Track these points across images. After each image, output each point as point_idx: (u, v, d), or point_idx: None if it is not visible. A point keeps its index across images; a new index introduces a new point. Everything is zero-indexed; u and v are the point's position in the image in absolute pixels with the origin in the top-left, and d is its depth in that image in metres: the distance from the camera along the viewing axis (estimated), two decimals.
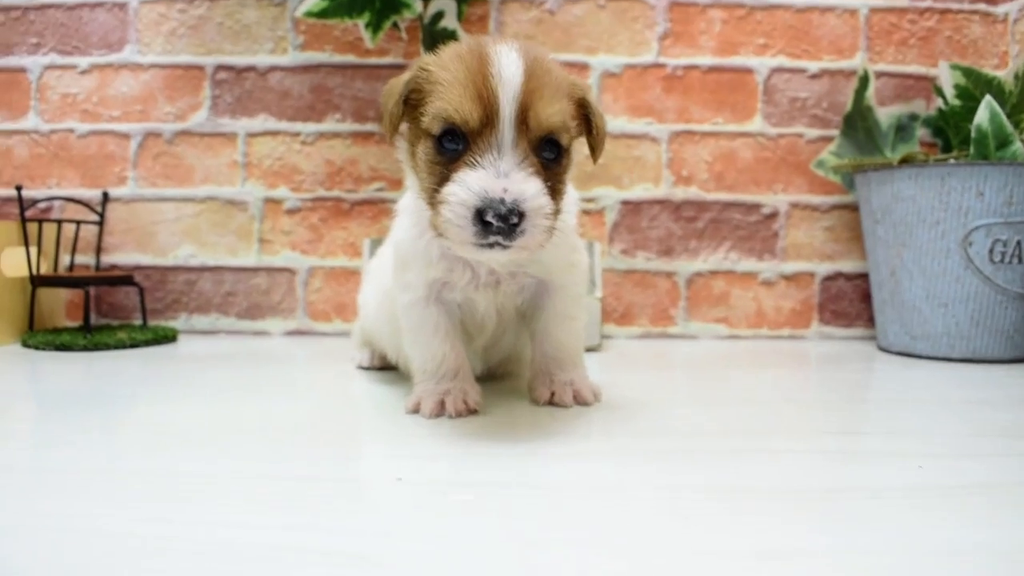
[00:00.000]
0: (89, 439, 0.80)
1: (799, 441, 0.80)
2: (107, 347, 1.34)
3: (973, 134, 1.29)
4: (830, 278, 1.59)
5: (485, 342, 1.01)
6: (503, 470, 0.68)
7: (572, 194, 0.96)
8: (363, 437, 0.83)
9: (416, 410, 0.89)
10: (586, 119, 0.86)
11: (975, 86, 1.37)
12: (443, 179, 0.77)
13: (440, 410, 0.88)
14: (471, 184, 0.73)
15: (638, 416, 0.90)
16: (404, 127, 0.85)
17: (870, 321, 1.58)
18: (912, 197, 1.32)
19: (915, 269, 1.33)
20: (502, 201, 0.72)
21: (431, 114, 0.78)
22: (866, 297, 1.58)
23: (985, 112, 1.28)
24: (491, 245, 0.74)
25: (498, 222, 0.71)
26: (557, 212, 0.80)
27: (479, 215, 0.72)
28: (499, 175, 0.74)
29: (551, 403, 0.93)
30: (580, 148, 0.87)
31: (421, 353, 0.92)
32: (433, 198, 0.78)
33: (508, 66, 0.76)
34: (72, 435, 0.81)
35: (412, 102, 0.81)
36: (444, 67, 0.79)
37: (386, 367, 1.16)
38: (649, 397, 1.00)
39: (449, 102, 0.76)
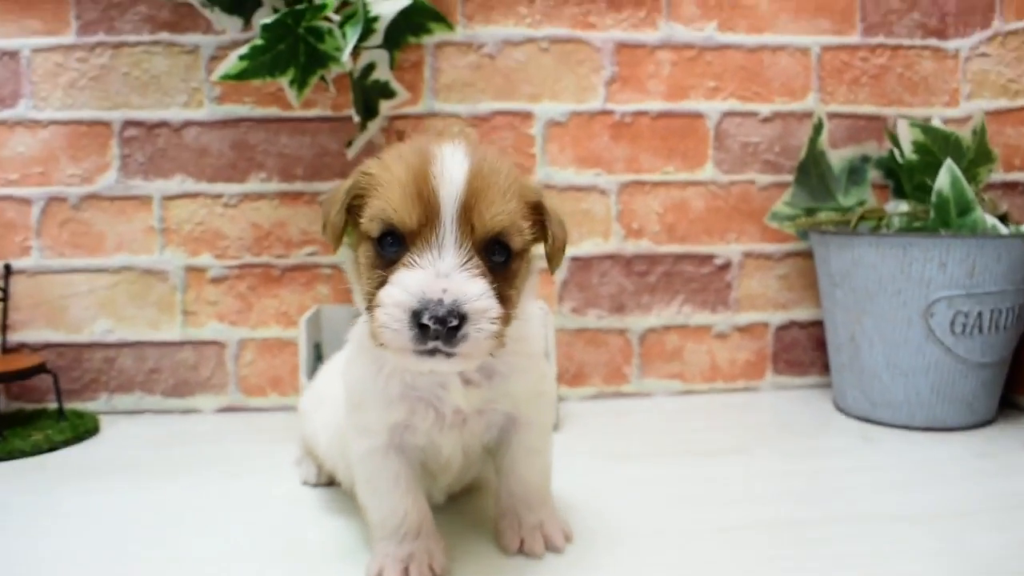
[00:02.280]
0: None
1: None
2: (23, 454, 1.22)
3: (934, 199, 1.26)
4: (784, 327, 1.55)
5: (450, 480, 0.94)
6: None
7: (538, 314, 0.89)
8: None
9: None
10: (543, 226, 0.78)
11: (933, 142, 1.33)
12: (381, 282, 0.70)
13: None
14: (408, 284, 0.67)
15: (615, 557, 0.86)
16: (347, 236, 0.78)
17: (823, 369, 1.55)
18: (873, 264, 1.28)
19: (876, 336, 1.30)
20: (440, 302, 0.65)
21: (369, 216, 0.71)
22: (819, 345, 1.55)
23: (946, 177, 1.24)
24: (431, 352, 0.67)
25: (435, 325, 0.65)
26: (508, 319, 0.73)
27: (415, 317, 0.65)
28: (439, 275, 0.67)
29: (521, 551, 0.87)
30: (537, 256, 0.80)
31: (380, 508, 0.84)
32: (371, 303, 0.71)
33: (451, 164, 0.70)
34: None
35: (354, 208, 0.75)
36: (385, 168, 0.73)
37: (333, 483, 1.08)
38: (619, 517, 0.96)
39: (388, 202, 0.70)
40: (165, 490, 1.08)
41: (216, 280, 1.44)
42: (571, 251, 1.48)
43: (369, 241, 0.73)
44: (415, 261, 0.68)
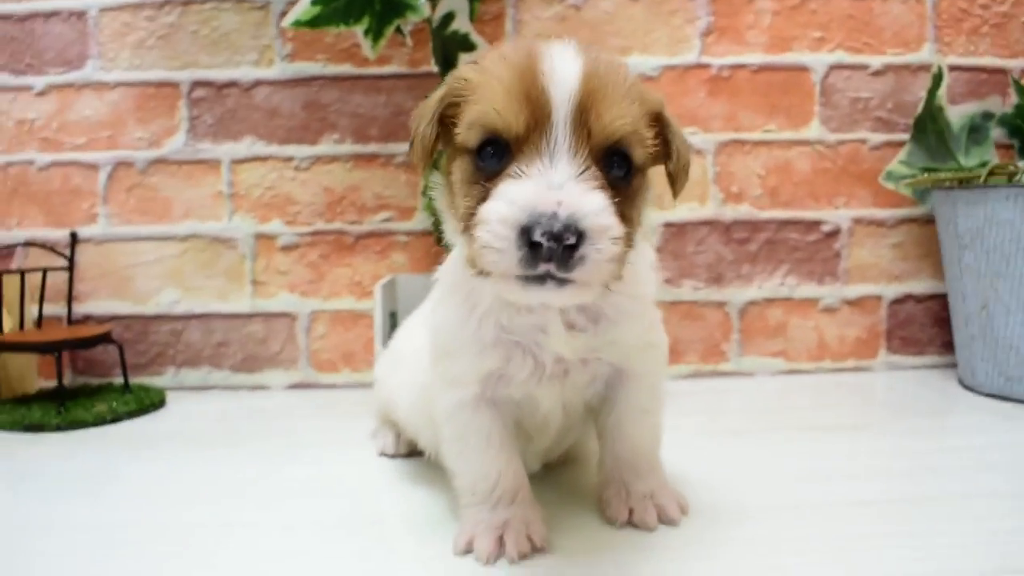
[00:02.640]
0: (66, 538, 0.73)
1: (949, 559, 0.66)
2: (84, 424, 1.15)
3: None
4: (898, 301, 1.41)
5: (548, 443, 0.83)
6: None
7: (650, 255, 0.78)
8: None
9: (468, 550, 0.71)
10: (664, 141, 0.67)
11: None
12: (482, 197, 0.60)
13: (499, 550, 0.70)
14: (515, 197, 0.56)
15: (722, 533, 0.74)
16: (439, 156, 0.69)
17: (943, 348, 1.41)
18: (1010, 221, 1.14)
19: (1013, 303, 1.16)
20: (555, 216, 0.55)
21: (468, 123, 0.62)
22: (939, 321, 1.41)
23: None
24: (542, 278, 0.56)
25: (549, 241, 0.54)
26: (630, 240, 0.63)
27: (526, 234, 0.55)
28: (551, 187, 0.56)
29: (630, 523, 0.76)
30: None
31: (470, 470, 0.74)
32: (469, 223, 0.61)
33: (563, 62, 0.60)
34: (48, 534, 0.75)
35: (448, 121, 0.65)
36: (485, 70, 0.63)
37: (413, 453, 0.98)
38: (731, 493, 0.84)
39: (489, 104, 0.60)
40: (230, 461, 1.00)
41: (286, 248, 1.36)
42: (664, 216, 1.37)
43: (466, 154, 0.63)
44: (523, 171, 0.58)
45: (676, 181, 0.70)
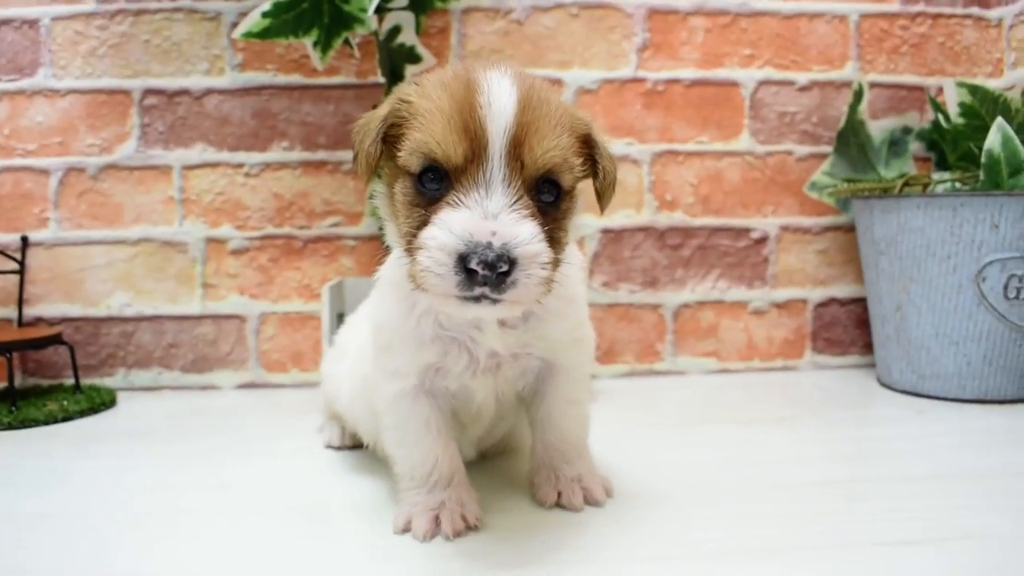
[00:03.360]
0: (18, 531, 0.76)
1: (822, 535, 0.74)
2: (35, 423, 1.18)
3: (984, 159, 1.20)
4: (823, 304, 1.49)
5: (480, 432, 0.89)
6: None
7: (576, 256, 0.84)
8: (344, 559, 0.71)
9: (406, 529, 0.76)
10: (592, 159, 0.73)
11: (981, 104, 1.27)
12: (422, 222, 0.65)
13: (435, 529, 0.75)
14: (453, 226, 0.62)
15: (654, 511, 0.81)
16: (381, 167, 0.74)
17: (865, 348, 1.49)
18: (921, 228, 1.22)
19: (924, 305, 1.24)
20: (489, 246, 0.60)
21: (410, 149, 0.66)
22: (860, 323, 1.49)
23: (997, 136, 1.18)
24: (477, 298, 0.62)
25: (484, 270, 0.60)
26: (557, 263, 0.68)
27: (462, 262, 0.60)
28: (487, 216, 0.62)
29: (558, 505, 0.82)
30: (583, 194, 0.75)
31: (409, 456, 0.80)
32: (411, 244, 0.66)
33: (499, 94, 0.64)
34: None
35: (390, 138, 0.70)
36: (426, 96, 0.67)
37: (358, 446, 1.03)
38: (658, 479, 0.90)
39: (430, 135, 0.65)
40: (180, 456, 1.04)
41: (237, 252, 1.40)
42: (603, 222, 1.43)
43: (408, 176, 0.68)
44: (460, 200, 0.64)
45: (603, 196, 0.76)
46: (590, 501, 0.83)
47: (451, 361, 0.77)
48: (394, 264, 0.79)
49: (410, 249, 0.66)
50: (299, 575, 0.68)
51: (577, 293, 0.82)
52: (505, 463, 0.98)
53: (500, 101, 0.64)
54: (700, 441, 1.06)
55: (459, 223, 0.62)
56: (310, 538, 0.76)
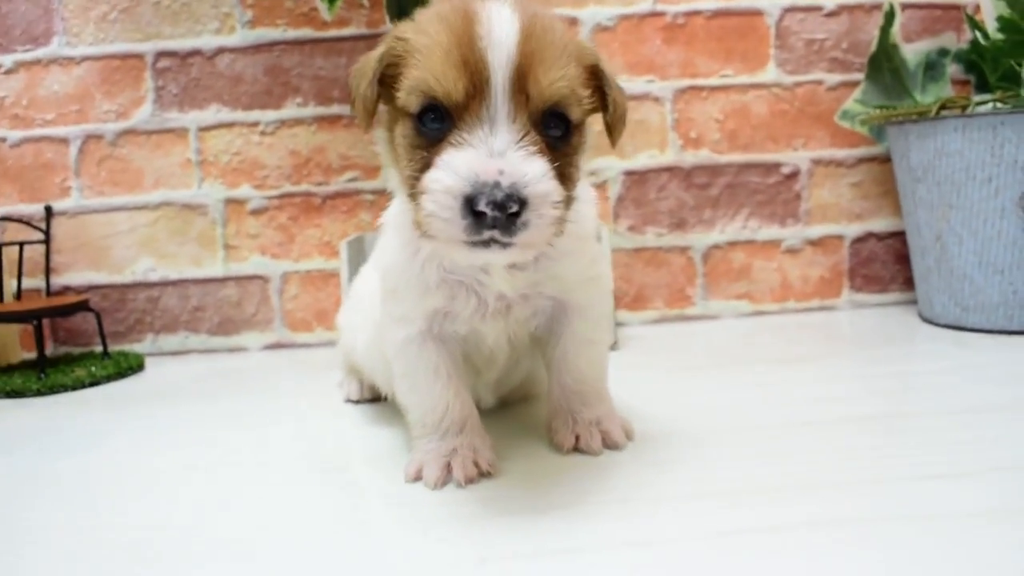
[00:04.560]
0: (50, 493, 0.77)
1: (859, 471, 0.70)
2: (64, 388, 1.19)
3: None
4: (860, 240, 1.43)
5: (496, 376, 0.86)
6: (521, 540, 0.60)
7: (589, 193, 0.80)
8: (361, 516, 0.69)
9: (418, 477, 0.74)
10: (600, 92, 0.70)
11: (1022, 17, 1.20)
12: (425, 165, 0.62)
13: (447, 476, 0.73)
14: (458, 167, 0.58)
15: (680, 452, 0.77)
16: (381, 111, 0.70)
17: (906, 284, 1.43)
18: (959, 152, 1.16)
19: (965, 232, 1.18)
20: (497, 185, 0.57)
21: (408, 88, 0.63)
22: (900, 259, 1.43)
23: None
24: (487, 243, 0.59)
25: (493, 211, 0.57)
26: (569, 201, 0.65)
27: (469, 204, 0.57)
28: (492, 155, 0.59)
29: (576, 449, 0.79)
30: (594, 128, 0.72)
31: (420, 403, 0.77)
32: (414, 188, 0.63)
33: (500, 24, 0.61)
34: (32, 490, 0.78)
35: (388, 80, 0.66)
36: (423, 32, 0.64)
37: (377, 398, 1.01)
38: (684, 420, 0.87)
39: (428, 71, 0.61)
40: (206, 414, 1.04)
41: (256, 212, 1.39)
42: (625, 164, 1.39)
43: (408, 117, 0.65)
44: (464, 139, 0.60)
45: (614, 130, 0.72)
46: (609, 444, 0.79)
47: (459, 305, 0.74)
48: (397, 209, 0.77)
49: (413, 194, 0.63)
50: (317, 522, 0.67)
51: (589, 230, 0.79)
52: (524, 409, 0.96)
53: (501, 30, 0.61)
54: (730, 382, 1.03)
55: (464, 163, 0.59)
56: (325, 486, 0.75)
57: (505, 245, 0.59)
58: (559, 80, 0.63)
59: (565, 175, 0.65)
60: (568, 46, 0.65)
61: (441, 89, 0.61)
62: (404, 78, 0.64)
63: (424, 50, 0.63)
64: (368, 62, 0.68)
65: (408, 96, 0.64)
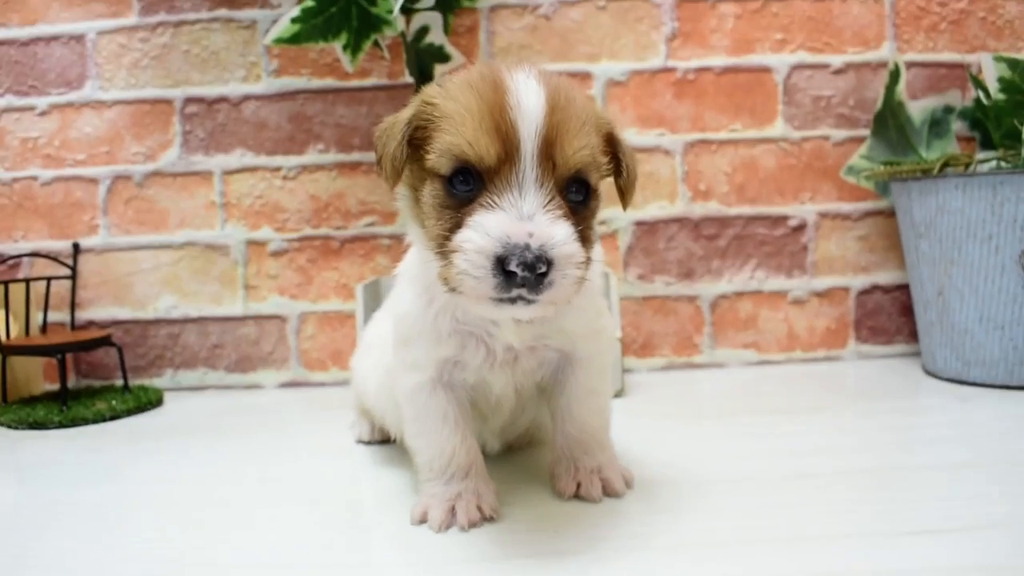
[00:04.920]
0: (68, 524, 0.79)
1: (850, 524, 0.72)
2: (85, 421, 1.23)
3: None
4: (866, 292, 1.46)
5: (501, 423, 0.90)
6: None
7: (596, 249, 0.84)
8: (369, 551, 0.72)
9: (423, 520, 0.77)
10: (614, 157, 0.74)
11: (1022, 78, 1.23)
12: (455, 224, 0.65)
13: (451, 520, 0.76)
14: (490, 228, 0.62)
15: (677, 501, 0.80)
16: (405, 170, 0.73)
17: (911, 336, 1.45)
18: (960, 209, 1.19)
19: (966, 288, 1.20)
20: (527, 247, 0.60)
21: (439, 151, 0.66)
22: (906, 311, 1.45)
23: None
24: (513, 300, 0.62)
25: (524, 271, 0.60)
26: (587, 261, 0.68)
27: (500, 264, 0.61)
28: (522, 218, 0.62)
29: (577, 496, 0.82)
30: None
31: (427, 447, 0.81)
32: (443, 246, 0.66)
33: (528, 95, 0.65)
34: (51, 522, 0.81)
35: (415, 141, 0.70)
36: (452, 98, 0.67)
37: (387, 440, 1.04)
38: (685, 470, 0.89)
39: (461, 136, 0.65)
40: (222, 451, 1.07)
41: (276, 253, 1.43)
42: (636, 215, 1.43)
43: (437, 179, 0.68)
44: (494, 202, 0.64)
45: (626, 194, 0.77)
46: (609, 492, 0.82)
47: (468, 355, 0.77)
48: (413, 260, 0.81)
49: (443, 251, 0.67)
50: (325, 559, 0.70)
51: (595, 284, 0.82)
52: (528, 455, 0.99)
53: (529, 101, 0.65)
54: (733, 432, 1.05)
55: (496, 225, 0.62)
56: (332, 526, 0.78)
57: (530, 302, 0.63)
58: (583, 149, 0.67)
59: (585, 237, 0.68)
60: (589, 116, 0.69)
61: (474, 154, 0.65)
62: (434, 141, 0.68)
63: (456, 116, 0.66)
64: (396, 124, 0.71)
65: (439, 159, 0.67)
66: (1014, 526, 0.70)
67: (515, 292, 0.62)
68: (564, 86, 0.68)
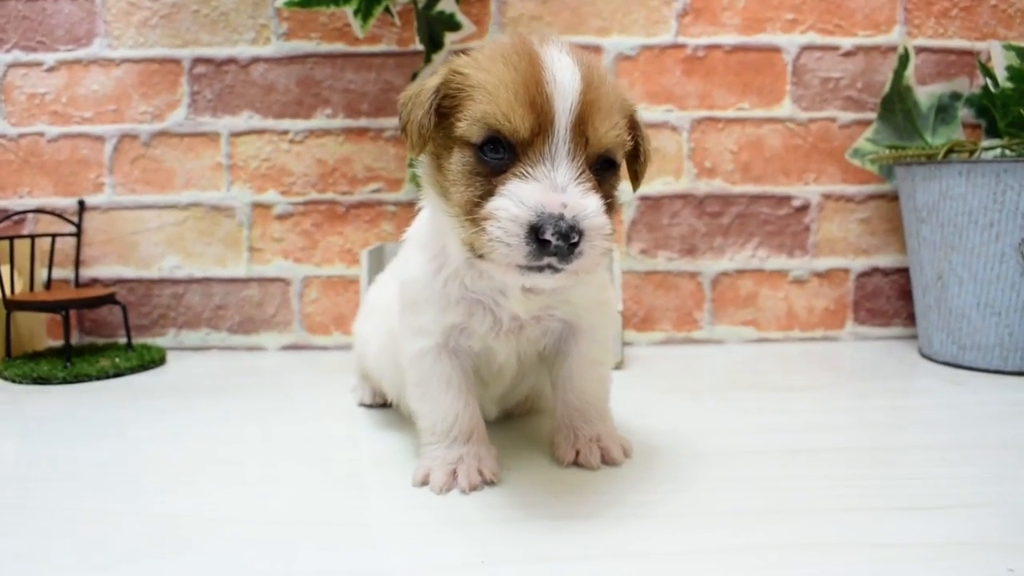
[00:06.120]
0: (71, 479, 0.81)
1: (838, 498, 0.74)
2: (88, 378, 1.24)
3: None
4: (866, 274, 1.47)
5: (501, 390, 0.91)
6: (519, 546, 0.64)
7: None
8: (369, 518, 0.73)
9: (425, 482, 0.78)
10: (632, 140, 0.75)
11: None
12: (485, 192, 0.67)
13: (452, 482, 0.78)
14: (525, 198, 0.63)
15: (674, 471, 0.82)
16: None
17: (908, 320, 1.46)
18: (963, 196, 1.20)
19: (965, 274, 1.22)
20: (561, 217, 0.62)
21: (471, 119, 0.67)
22: (904, 294, 1.46)
23: None
24: (541, 268, 0.64)
25: (558, 240, 0.61)
26: (612, 233, 0.70)
27: (534, 232, 0.62)
28: (556, 189, 0.64)
29: (576, 463, 0.83)
30: None
31: (430, 411, 0.82)
32: (473, 213, 0.67)
33: (564, 71, 0.66)
34: (53, 475, 0.83)
35: (441, 110, 0.70)
36: (484, 69, 0.68)
37: (388, 404, 1.05)
38: (682, 441, 0.91)
39: (496, 106, 0.66)
40: (223, 408, 1.09)
41: (281, 217, 1.44)
42: (640, 190, 1.43)
43: (467, 147, 0.69)
44: (528, 172, 0.65)
45: (639, 177, 0.79)
46: (608, 461, 0.84)
47: (475, 322, 0.79)
48: (424, 226, 0.82)
49: (473, 218, 0.67)
50: (325, 520, 0.71)
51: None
52: (528, 423, 1.00)
53: (564, 77, 0.66)
54: (730, 407, 1.07)
55: (530, 195, 0.63)
56: (335, 487, 0.79)
57: (557, 270, 0.64)
58: (613, 129, 0.68)
59: (609, 209, 0.70)
60: (618, 97, 0.70)
61: (509, 125, 0.65)
62: (465, 109, 0.68)
63: (489, 86, 0.67)
64: (423, 92, 0.71)
65: (470, 127, 0.67)
66: (1003, 505, 0.71)
67: (545, 260, 0.63)
68: (596, 64, 0.69)
